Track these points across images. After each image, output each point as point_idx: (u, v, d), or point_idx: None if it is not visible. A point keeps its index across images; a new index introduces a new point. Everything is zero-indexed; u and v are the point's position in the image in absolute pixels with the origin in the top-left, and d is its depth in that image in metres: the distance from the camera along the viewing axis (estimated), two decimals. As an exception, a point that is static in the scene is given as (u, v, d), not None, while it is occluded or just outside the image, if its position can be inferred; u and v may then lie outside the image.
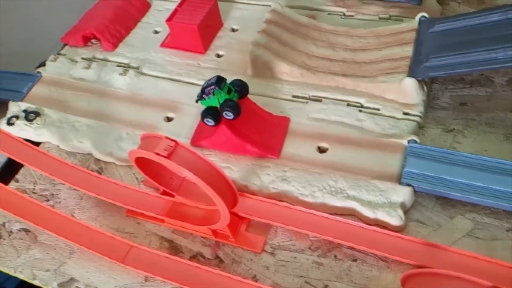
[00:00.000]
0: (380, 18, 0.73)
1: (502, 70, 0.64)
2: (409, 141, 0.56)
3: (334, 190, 0.55)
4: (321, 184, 0.55)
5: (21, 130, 0.68)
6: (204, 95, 0.57)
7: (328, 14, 0.76)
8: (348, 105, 0.62)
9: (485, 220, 0.52)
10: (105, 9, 0.79)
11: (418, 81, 0.59)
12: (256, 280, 0.51)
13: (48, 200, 0.62)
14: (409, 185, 0.53)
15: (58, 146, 0.67)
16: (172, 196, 0.56)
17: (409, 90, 0.59)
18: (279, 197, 0.56)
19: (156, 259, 0.53)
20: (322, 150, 0.59)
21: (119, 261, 0.53)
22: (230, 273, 0.51)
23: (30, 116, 0.69)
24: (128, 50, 0.76)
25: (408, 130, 0.58)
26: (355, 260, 0.51)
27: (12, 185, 0.64)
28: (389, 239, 0.50)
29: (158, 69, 0.73)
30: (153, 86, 0.70)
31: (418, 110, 0.60)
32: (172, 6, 0.80)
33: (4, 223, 0.60)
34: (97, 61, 0.76)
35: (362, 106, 0.62)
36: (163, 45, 0.76)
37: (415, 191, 0.54)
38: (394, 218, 0.51)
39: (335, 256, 0.52)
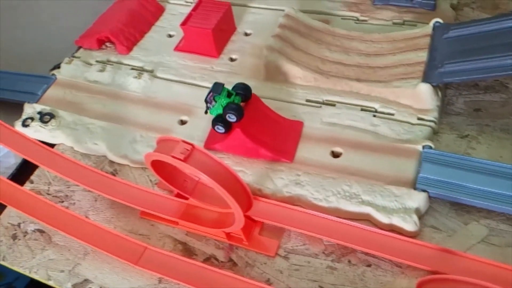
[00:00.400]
0: (393, 23, 0.73)
1: (517, 76, 0.64)
2: (424, 147, 0.56)
3: (348, 195, 0.55)
4: (335, 189, 0.55)
5: (36, 131, 0.68)
6: (208, 105, 0.58)
7: (342, 18, 0.76)
8: (362, 110, 0.62)
9: (500, 227, 0.52)
10: (120, 13, 0.80)
11: (433, 86, 0.59)
12: (270, 284, 0.51)
13: (62, 202, 0.62)
14: (424, 190, 0.53)
15: (72, 147, 0.67)
16: (186, 198, 0.57)
17: (424, 96, 0.59)
18: (293, 201, 0.56)
19: (170, 261, 0.53)
20: (336, 155, 0.59)
21: (133, 263, 0.53)
22: (244, 276, 0.51)
23: (45, 118, 0.69)
24: (142, 54, 0.77)
25: (423, 135, 0.58)
26: (369, 266, 0.51)
27: (27, 186, 0.64)
28: (404, 244, 0.50)
29: (172, 72, 0.73)
30: (167, 89, 0.71)
31: (433, 115, 0.60)
32: (186, 10, 0.81)
33: (19, 223, 0.61)
34: (112, 64, 0.76)
35: (376, 111, 0.62)
36: (177, 48, 0.77)
37: (429, 197, 0.53)
38: (409, 224, 0.51)
39: (349, 261, 0.52)
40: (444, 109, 0.63)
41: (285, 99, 0.66)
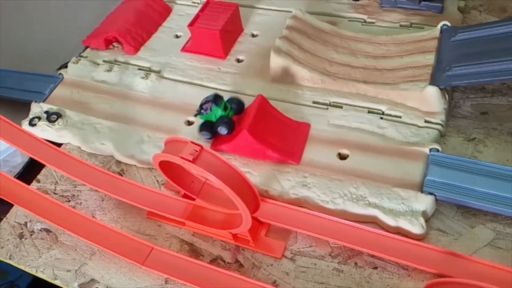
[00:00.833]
0: (401, 26, 0.73)
1: (525, 80, 0.64)
2: (431, 150, 0.56)
3: (355, 197, 0.55)
4: (342, 191, 0.55)
5: (43, 131, 0.69)
6: (202, 111, 0.60)
7: (349, 20, 0.76)
8: (369, 112, 0.62)
9: (507, 230, 0.52)
10: (127, 13, 0.80)
11: (440, 89, 0.59)
12: (276, 286, 0.51)
13: (69, 201, 0.62)
14: (431, 193, 0.53)
15: (79, 147, 0.67)
16: (193, 199, 0.57)
17: (431, 99, 0.59)
18: (299, 203, 0.56)
19: (176, 261, 0.53)
20: (342, 157, 0.59)
21: (140, 263, 0.53)
22: (250, 277, 0.51)
23: (52, 117, 0.69)
24: (150, 54, 0.77)
25: (430, 138, 0.58)
26: (375, 268, 0.51)
27: (34, 185, 0.65)
28: (410, 247, 0.50)
29: (179, 73, 0.73)
30: (174, 90, 0.71)
31: (440, 118, 0.60)
32: (193, 10, 0.81)
33: (25, 222, 0.61)
34: (119, 64, 0.76)
35: (383, 113, 0.62)
36: (184, 49, 0.77)
37: (436, 200, 0.53)
38: (416, 227, 0.51)
39: (356, 264, 0.52)
40: (451, 112, 0.63)
41: (292, 100, 0.66)
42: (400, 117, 0.61)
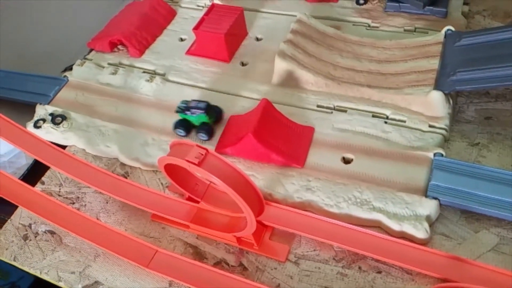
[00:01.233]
0: (405, 30, 0.73)
1: (528, 85, 0.64)
2: (435, 154, 0.56)
3: (359, 201, 0.55)
4: (346, 195, 0.55)
5: (48, 133, 0.69)
6: (187, 112, 0.64)
7: (353, 25, 0.76)
8: (373, 116, 0.63)
9: (511, 235, 0.52)
10: (132, 16, 0.80)
11: (444, 94, 0.59)
12: (280, 289, 0.51)
13: (73, 203, 0.62)
14: (435, 198, 0.53)
15: (84, 149, 0.68)
16: (197, 202, 0.57)
17: (436, 103, 0.59)
18: (303, 206, 0.56)
19: (180, 264, 0.53)
20: (347, 161, 0.59)
21: (144, 266, 0.54)
22: (254, 281, 0.52)
23: (56, 119, 0.70)
24: (154, 57, 0.77)
25: (434, 143, 0.58)
26: (379, 272, 0.51)
27: (38, 187, 0.65)
28: (414, 251, 0.50)
29: (183, 76, 0.73)
30: (179, 93, 0.71)
31: (444, 123, 0.60)
32: (198, 14, 0.82)
33: (30, 224, 0.61)
34: (124, 67, 0.77)
35: (387, 118, 0.62)
36: (189, 52, 0.77)
37: (440, 205, 0.53)
38: (420, 231, 0.51)
39: (360, 268, 0.52)
40: (455, 117, 0.63)
41: (297, 104, 0.66)
42: (404, 121, 0.61)
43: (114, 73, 0.75)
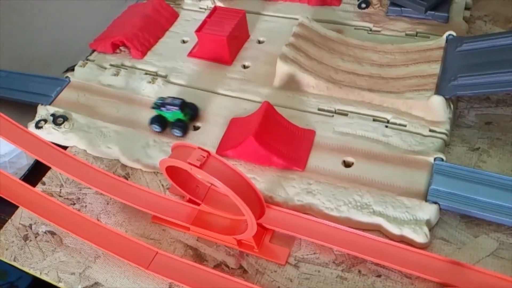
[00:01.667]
0: (406, 35, 0.73)
1: (529, 91, 0.64)
2: (435, 159, 0.56)
3: (359, 205, 0.55)
4: (346, 199, 0.56)
5: (49, 133, 0.69)
6: (163, 108, 0.65)
7: (355, 28, 0.76)
8: (374, 120, 0.63)
9: (510, 240, 0.52)
10: (134, 17, 0.81)
11: (445, 99, 0.60)
12: (280, 292, 0.51)
13: (74, 204, 0.63)
14: (435, 202, 0.53)
15: (85, 150, 0.68)
16: (198, 204, 0.57)
17: (437, 108, 0.60)
18: (304, 209, 0.56)
19: (180, 266, 0.53)
20: (347, 164, 0.59)
21: (144, 267, 0.54)
22: (254, 283, 0.52)
23: (58, 120, 0.70)
24: (156, 59, 0.78)
25: (435, 147, 0.58)
26: (379, 276, 0.51)
27: (39, 187, 0.65)
28: (414, 256, 0.50)
29: (185, 78, 0.74)
30: (180, 95, 0.71)
31: (445, 127, 0.60)
32: (200, 16, 0.82)
33: (30, 224, 0.61)
34: (126, 69, 0.77)
35: (388, 122, 0.62)
36: (191, 54, 0.77)
37: (440, 209, 0.54)
38: (420, 236, 0.51)
39: (359, 271, 0.52)
40: (456, 121, 0.63)
41: (298, 107, 0.66)
42: (405, 125, 0.61)
43: (116, 74, 0.75)
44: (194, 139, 0.65)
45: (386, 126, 0.62)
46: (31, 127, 0.70)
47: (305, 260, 0.54)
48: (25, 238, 0.60)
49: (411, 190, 0.55)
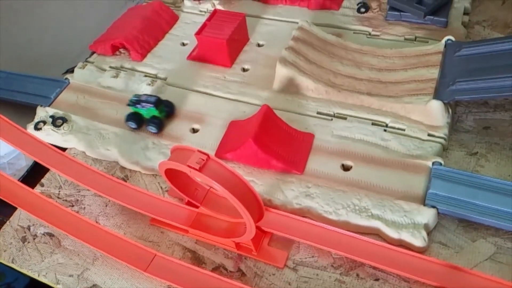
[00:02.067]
0: (405, 39, 0.74)
1: (527, 96, 0.65)
2: (433, 163, 0.57)
3: (358, 208, 0.55)
4: (345, 202, 0.56)
5: (48, 135, 0.69)
6: (138, 105, 0.66)
7: (354, 33, 0.77)
8: (373, 124, 0.63)
9: (508, 245, 0.52)
10: (134, 20, 0.81)
11: (444, 103, 0.60)
12: (278, 295, 0.51)
13: (72, 206, 0.63)
14: (433, 206, 0.53)
15: (84, 152, 0.68)
16: (196, 207, 0.57)
17: (435, 112, 0.60)
18: (302, 213, 0.57)
19: (179, 269, 0.53)
20: (346, 168, 0.60)
21: (142, 270, 0.54)
22: (252, 286, 0.52)
23: (57, 121, 0.70)
24: (156, 61, 0.78)
25: (433, 152, 0.59)
26: (377, 280, 0.51)
27: (37, 189, 0.65)
28: (412, 260, 0.50)
29: (184, 80, 0.74)
30: (179, 97, 0.71)
31: (443, 132, 0.60)
32: (200, 19, 0.82)
33: (29, 226, 0.61)
34: (125, 71, 0.77)
35: (387, 126, 0.62)
36: (190, 57, 0.77)
37: (438, 213, 0.54)
38: (418, 240, 0.51)
39: (358, 275, 0.52)
40: (454, 126, 0.63)
41: (297, 111, 0.66)
42: (403, 130, 0.62)
43: (116, 77, 0.75)
44: (193, 141, 0.65)
45: (385, 130, 0.62)
46: (30, 129, 0.70)
47: (303, 263, 0.54)
48: (23, 239, 0.60)
49: (410, 194, 0.55)
